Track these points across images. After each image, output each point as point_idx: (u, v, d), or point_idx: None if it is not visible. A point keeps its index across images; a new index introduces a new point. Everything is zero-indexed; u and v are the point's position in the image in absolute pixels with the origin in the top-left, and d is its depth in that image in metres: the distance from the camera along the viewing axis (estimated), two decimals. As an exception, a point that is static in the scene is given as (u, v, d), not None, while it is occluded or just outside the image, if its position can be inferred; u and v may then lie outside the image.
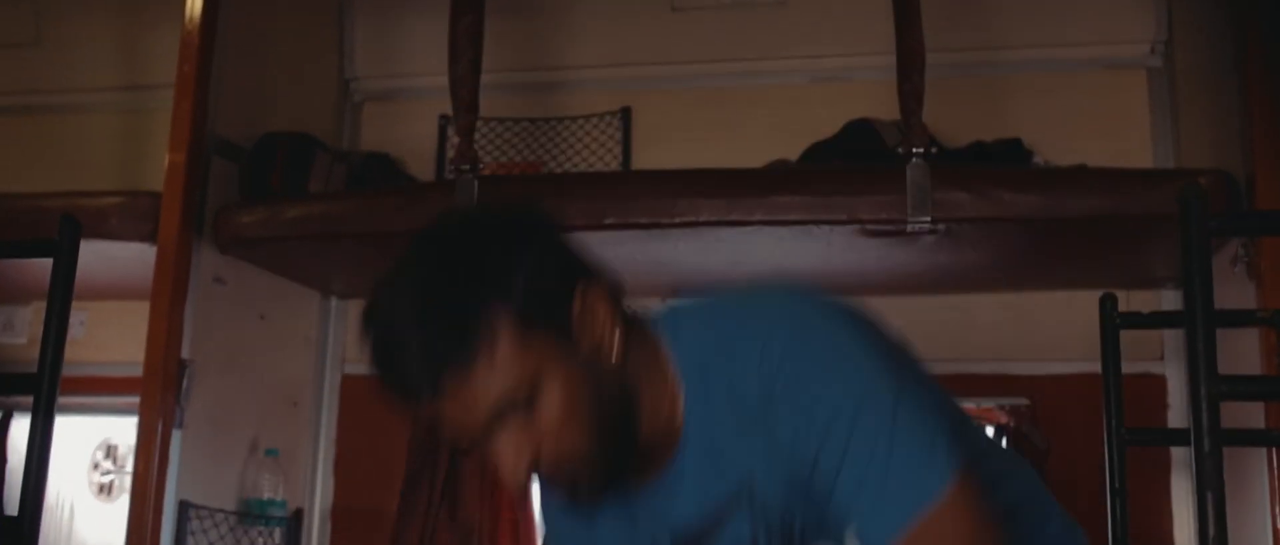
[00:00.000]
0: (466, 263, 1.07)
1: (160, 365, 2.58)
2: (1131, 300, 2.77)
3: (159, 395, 2.57)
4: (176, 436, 2.62)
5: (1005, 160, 2.60)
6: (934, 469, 1.00)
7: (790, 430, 1.04)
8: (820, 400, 1.02)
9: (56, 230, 2.00)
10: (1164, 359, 2.88)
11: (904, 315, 3.01)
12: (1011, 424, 2.86)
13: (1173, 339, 2.83)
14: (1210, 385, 1.54)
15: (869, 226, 2.35)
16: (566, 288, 1.10)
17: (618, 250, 2.59)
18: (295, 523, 3.13)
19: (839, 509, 1.02)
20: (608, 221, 2.43)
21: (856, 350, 1.06)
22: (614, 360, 1.10)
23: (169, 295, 2.60)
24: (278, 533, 3.03)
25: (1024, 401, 2.88)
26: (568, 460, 1.09)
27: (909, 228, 2.32)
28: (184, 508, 2.67)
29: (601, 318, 1.11)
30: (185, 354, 2.64)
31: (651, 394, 1.12)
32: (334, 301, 3.30)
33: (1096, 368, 2.14)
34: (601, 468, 1.11)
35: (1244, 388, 1.82)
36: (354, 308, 3.33)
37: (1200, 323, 1.56)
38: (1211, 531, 1.49)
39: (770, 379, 1.04)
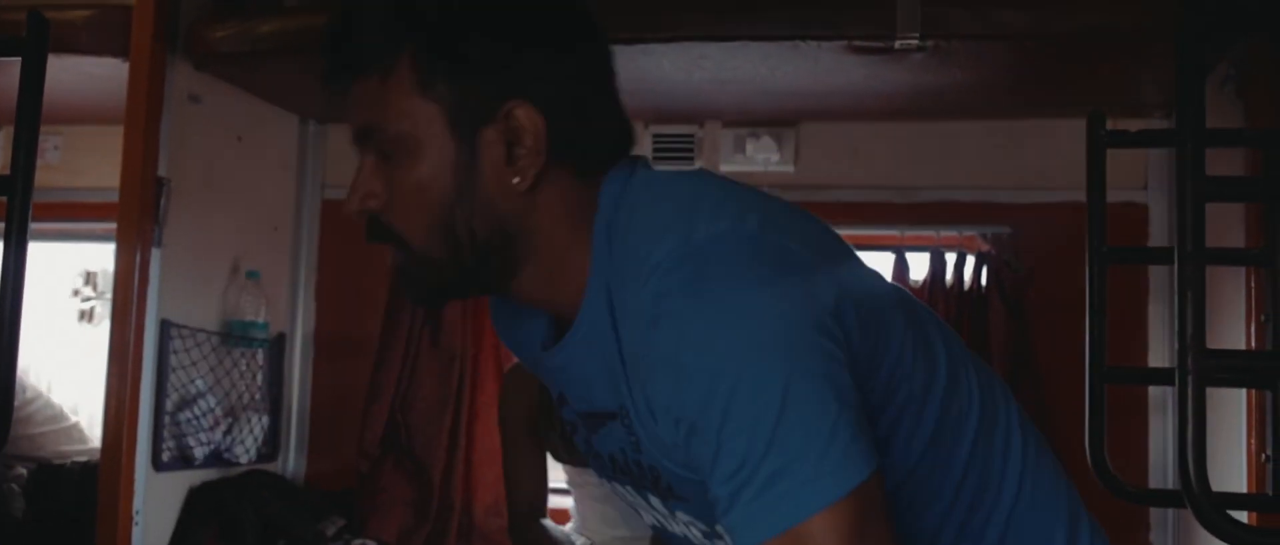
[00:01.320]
0: None
1: (137, 181, 2.54)
2: (1118, 126, 2.76)
3: (137, 212, 2.54)
4: (156, 255, 2.61)
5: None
6: (818, 480, 0.86)
7: (662, 396, 0.93)
8: (693, 375, 0.89)
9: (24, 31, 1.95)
10: (1147, 188, 2.88)
11: (889, 141, 3.05)
12: (993, 251, 2.87)
13: (1156, 167, 2.83)
14: (1197, 186, 1.53)
15: (857, 43, 2.31)
16: (499, 90, 0.99)
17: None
18: (278, 346, 3.14)
19: (713, 497, 0.91)
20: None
21: (755, 319, 0.88)
22: (511, 189, 1.01)
23: (144, 111, 2.54)
24: (261, 354, 3.04)
25: (1006, 230, 2.89)
26: (403, 240, 1.04)
27: (897, 45, 2.28)
28: (165, 327, 2.67)
29: (524, 142, 0.99)
30: (162, 172, 2.61)
31: (550, 253, 1.04)
32: (312, 125, 3.26)
33: (1080, 197, 2.13)
34: (429, 275, 1.05)
35: (1230, 189, 1.82)
36: (334, 132, 3.29)
37: (1191, 124, 1.54)
38: (1190, 331, 1.50)
39: (649, 329, 0.92)
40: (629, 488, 1.13)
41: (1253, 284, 2.18)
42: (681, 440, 0.92)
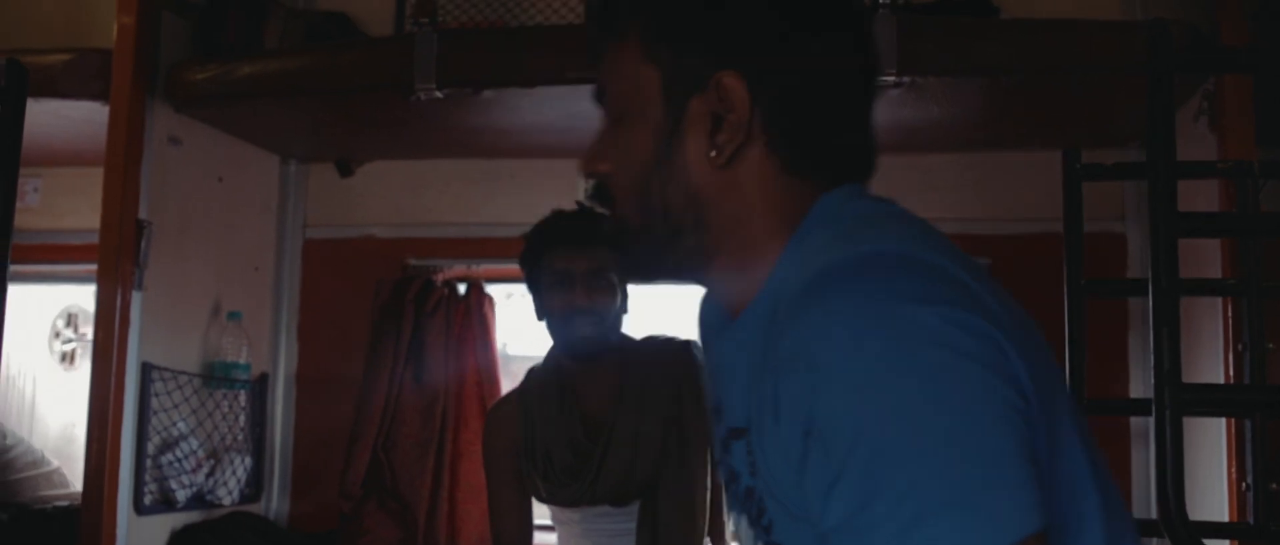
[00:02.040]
0: None
1: (117, 224, 2.55)
2: (1094, 159, 2.78)
3: (117, 255, 2.55)
4: (137, 298, 2.61)
5: (971, 13, 2.57)
6: (974, 529, 0.76)
7: (791, 394, 0.84)
8: (833, 376, 0.80)
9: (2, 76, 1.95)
10: (1125, 218, 2.91)
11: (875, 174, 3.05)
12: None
13: (1133, 197, 2.86)
14: (1170, 221, 1.55)
15: (831, 73, 2.32)
16: (713, 60, 0.95)
17: (581, 105, 2.54)
18: (261, 386, 3.13)
19: (825, 530, 0.82)
20: (570, 76, 2.40)
21: (923, 334, 0.79)
22: (707, 163, 0.97)
23: (123, 154, 2.56)
24: (243, 395, 3.04)
25: (984, 261, 2.90)
26: (615, 205, 1.04)
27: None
28: (147, 370, 2.67)
29: (727, 116, 0.95)
30: (142, 215, 2.61)
31: (740, 244, 0.98)
32: (294, 165, 3.27)
33: (1057, 228, 2.15)
34: (629, 243, 1.03)
35: (1201, 225, 1.84)
36: (315, 172, 3.30)
37: (1161, 160, 1.56)
38: (1166, 365, 1.51)
39: (793, 319, 0.85)
40: (744, 522, 1.02)
41: (1229, 313, 2.19)
42: (798, 458, 0.83)
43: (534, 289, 2.36)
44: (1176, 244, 1.61)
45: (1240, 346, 2.06)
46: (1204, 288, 2.20)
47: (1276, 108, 2.34)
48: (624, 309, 2.35)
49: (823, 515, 0.80)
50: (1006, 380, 0.80)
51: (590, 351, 2.31)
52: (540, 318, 2.36)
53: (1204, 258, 2.30)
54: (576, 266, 2.27)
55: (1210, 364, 2.25)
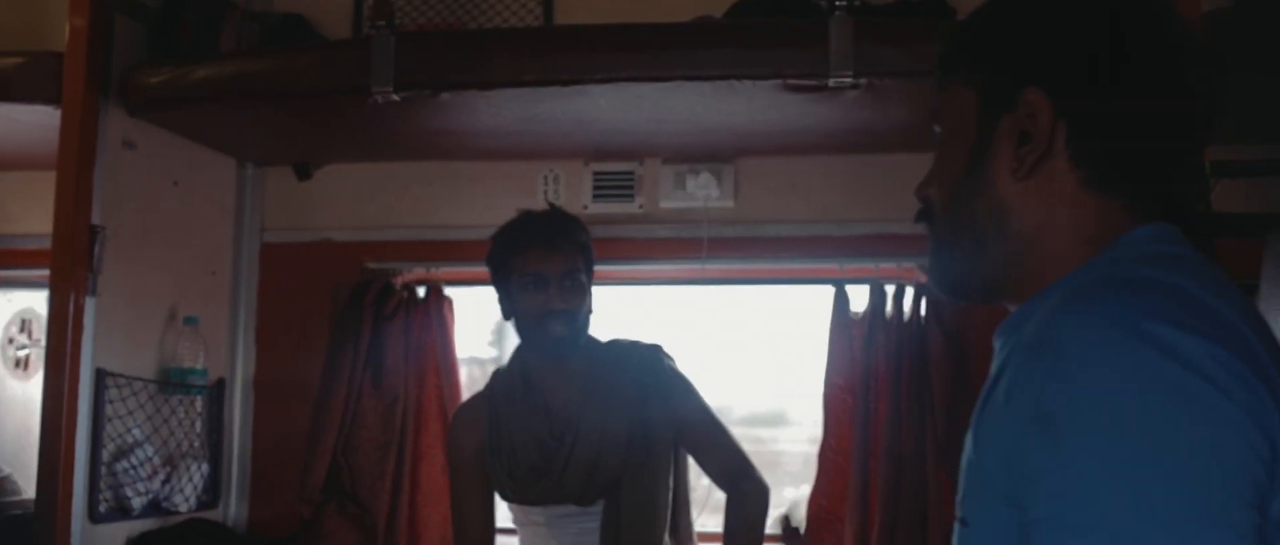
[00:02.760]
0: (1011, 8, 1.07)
1: (70, 230, 2.52)
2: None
3: (70, 260, 2.52)
4: (91, 304, 2.58)
5: (928, 15, 2.58)
6: None
7: (1024, 373, 0.87)
8: (1073, 367, 0.83)
9: (-50, 82, 1.93)
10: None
11: (828, 175, 3.08)
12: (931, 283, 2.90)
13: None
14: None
15: (791, 82, 2.34)
16: (1023, 77, 1.01)
17: (539, 108, 2.56)
18: (218, 392, 3.11)
19: (1031, 519, 0.84)
20: (527, 78, 2.39)
21: (1170, 355, 0.80)
22: (1009, 174, 1.01)
23: (76, 158, 2.53)
24: (199, 401, 3.01)
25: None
26: (934, 224, 1.10)
27: (831, 83, 2.30)
28: (101, 376, 2.64)
29: (1036, 133, 1.00)
30: (96, 219, 2.58)
31: (1035, 256, 1.02)
32: (251, 168, 3.24)
33: (1016, 225, 2.15)
34: (943, 259, 1.10)
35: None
36: (272, 176, 3.27)
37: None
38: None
39: (1046, 315, 0.89)
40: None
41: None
42: (1013, 439, 0.86)
43: (503, 291, 2.37)
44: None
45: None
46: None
47: (1228, 106, 2.37)
48: (591, 309, 2.37)
49: (1033, 502, 0.82)
50: (1255, 424, 0.80)
51: (562, 352, 2.33)
52: (508, 318, 2.38)
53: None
54: (550, 268, 2.29)
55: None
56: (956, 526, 1.01)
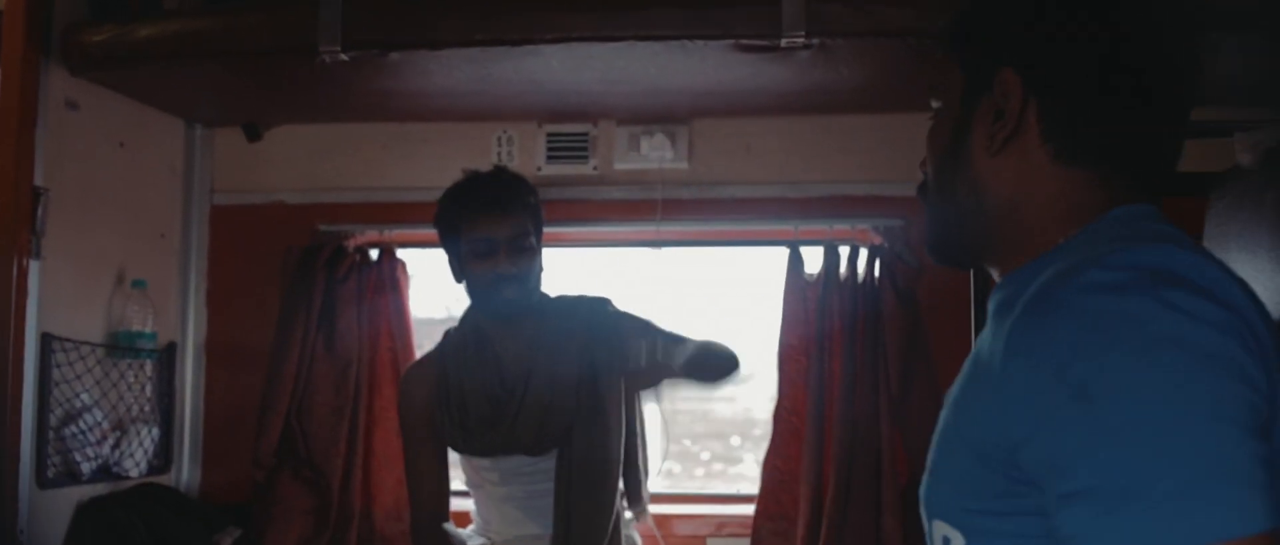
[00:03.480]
0: None
1: (12, 191, 2.48)
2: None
3: (12, 222, 2.47)
4: (35, 267, 2.54)
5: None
6: (1193, 514, 0.80)
7: (1019, 330, 0.91)
8: (1066, 317, 0.87)
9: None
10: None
11: (782, 136, 3.07)
12: (885, 244, 2.91)
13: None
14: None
15: (743, 42, 2.32)
16: (998, 59, 1.05)
17: (490, 68, 2.53)
18: (169, 356, 3.07)
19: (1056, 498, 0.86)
20: (477, 38, 2.37)
21: (1161, 312, 0.84)
22: (984, 151, 1.06)
23: (17, 119, 2.48)
24: (149, 365, 2.97)
25: (898, 222, 2.93)
26: (926, 199, 1.15)
27: (783, 43, 2.29)
28: (46, 340, 2.60)
29: (1007, 111, 1.04)
30: (39, 181, 2.54)
31: (1014, 230, 1.06)
32: (199, 129, 3.19)
33: (970, 187, 2.16)
34: (936, 229, 1.15)
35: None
36: (221, 136, 3.23)
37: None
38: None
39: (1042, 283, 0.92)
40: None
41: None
42: (999, 388, 0.90)
43: (452, 253, 2.36)
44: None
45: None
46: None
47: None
48: (542, 268, 2.36)
49: (1071, 474, 0.84)
50: (1253, 388, 0.83)
51: (513, 312, 2.33)
52: (459, 281, 2.37)
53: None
54: (498, 232, 2.28)
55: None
56: (926, 477, 1.07)
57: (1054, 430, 0.86)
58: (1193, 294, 0.85)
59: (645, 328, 2.38)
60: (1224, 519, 0.79)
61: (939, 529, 1.02)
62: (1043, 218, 1.04)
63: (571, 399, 2.32)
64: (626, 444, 2.42)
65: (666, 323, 2.43)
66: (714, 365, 2.27)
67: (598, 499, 2.32)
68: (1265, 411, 0.85)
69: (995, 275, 1.12)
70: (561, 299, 2.45)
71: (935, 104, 1.14)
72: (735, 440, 3.44)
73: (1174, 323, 0.83)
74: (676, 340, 2.32)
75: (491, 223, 2.28)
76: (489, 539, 2.43)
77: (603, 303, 2.45)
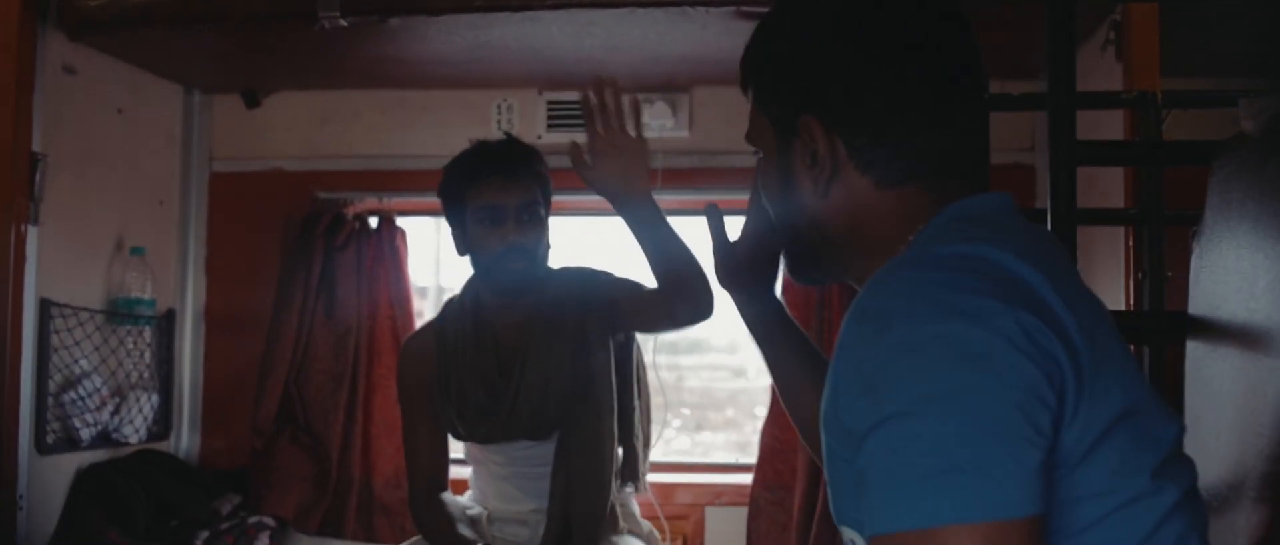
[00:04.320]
0: (795, 18, 1.11)
1: (9, 156, 2.47)
2: (1007, 90, 2.81)
3: (10, 188, 2.46)
4: (32, 233, 2.53)
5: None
6: (904, 511, 0.85)
7: (839, 351, 0.95)
8: (865, 330, 0.92)
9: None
10: (1034, 149, 2.94)
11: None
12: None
13: (1043, 128, 2.86)
14: (1068, 148, 1.55)
15: (744, 8, 2.31)
16: (798, 106, 1.07)
17: (490, 34, 2.52)
18: (168, 322, 3.07)
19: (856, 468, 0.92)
20: (477, 3, 2.35)
21: (945, 309, 0.88)
22: (812, 193, 1.09)
23: (14, 83, 2.47)
24: (148, 332, 2.97)
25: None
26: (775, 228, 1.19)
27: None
28: (45, 306, 2.60)
29: (817, 154, 1.07)
30: (36, 147, 2.53)
31: (859, 257, 1.10)
32: (197, 95, 3.18)
33: (969, 160, 2.15)
34: (790, 257, 1.18)
35: (1101, 152, 1.85)
36: (219, 103, 3.22)
37: (1060, 88, 1.56)
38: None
39: (835, 368, 0.95)
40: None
41: (1130, 243, 2.23)
42: (839, 392, 0.94)
43: (457, 224, 2.27)
44: (1075, 172, 1.62)
45: (1140, 275, 2.08)
46: (1102, 216, 2.23)
47: (1182, 38, 2.36)
48: (548, 245, 2.29)
49: (858, 454, 0.89)
50: (1041, 372, 0.87)
51: (519, 287, 2.25)
52: (463, 252, 2.28)
53: (1109, 188, 2.33)
54: (507, 200, 2.19)
55: (1111, 293, 2.29)
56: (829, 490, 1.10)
57: (853, 418, 0.91)
58: (976, 296, 0.89)
59: (634, 285, 2.32)
60: (951, 504, 0.83)
61: (846, 534, 1.05)
62: (883, 234, 1.07)
63: (567, 383, 2.26)
64: (623, 418, 2.40)
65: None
66: (689, 283, 2.13)
67: (593, 478, 2.29)
68: (1047, 393, 0.87)
69: (856, 286, 1.13)
70: (562, 272, 2.38)
71: (753, 149, 1.16)
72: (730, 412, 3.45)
73: (941, 322, 0.87)
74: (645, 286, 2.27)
75: (499, 190, 2.20)
76: (486, 509, 2.42)
77: (597, 276, 2.37)
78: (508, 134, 2.34)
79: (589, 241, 3.30)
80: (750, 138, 1.16)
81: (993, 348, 0.86)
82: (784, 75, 1.09)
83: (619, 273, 2.40)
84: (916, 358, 0.87)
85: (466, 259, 2.29)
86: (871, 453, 0.88)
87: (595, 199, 3.07)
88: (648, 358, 2.51)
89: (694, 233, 3.18)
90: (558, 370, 2.26)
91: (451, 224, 2.28)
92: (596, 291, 2.31)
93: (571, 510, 2.27)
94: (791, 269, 1.19)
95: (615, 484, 2.37)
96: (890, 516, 0.85)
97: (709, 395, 3.47)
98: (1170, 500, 0.95)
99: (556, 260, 2.38)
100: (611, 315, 2.28)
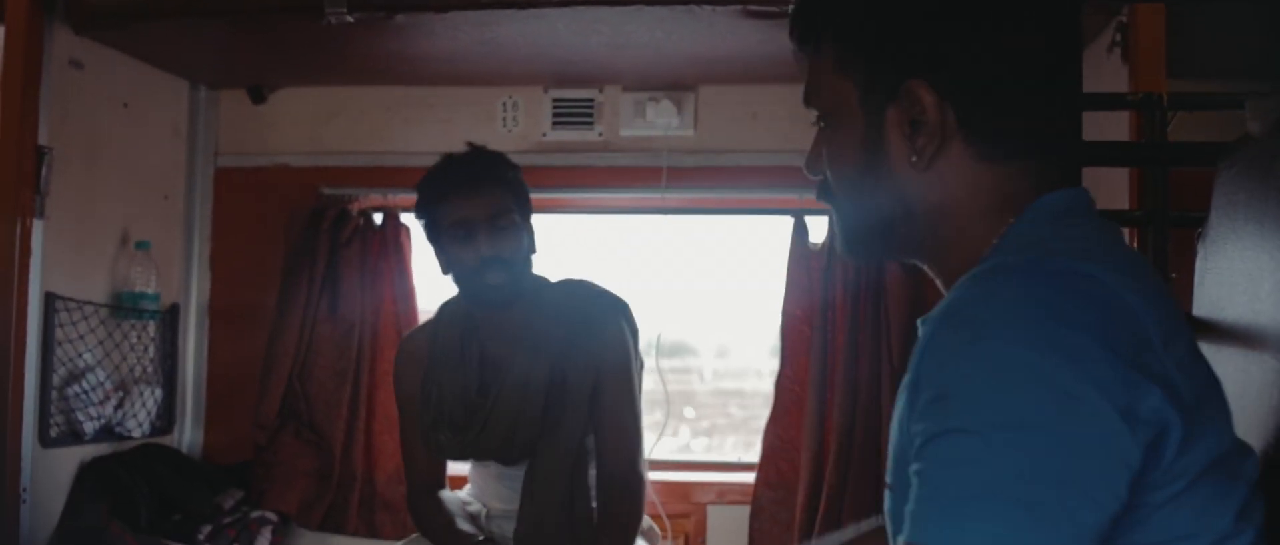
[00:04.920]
0: None
1: (16, 150, 2.47)
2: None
3: (15, 182, 2.47)
4: (38, 226, 2.53)
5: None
6: (941, 527, 0.83)
7: (919, 361, 0.91)
8: (942, 348, 0.88)
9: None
10: (1040, 150, 2.93)
11: (788, 104, 3.05)
12: (890, 214, 2.90)
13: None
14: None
15: (752, 7, 2.31)
16: (902, 69, 1.00)
17: (496, 31, 2.52)
18: (171, 317, 3.07)
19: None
20: (484, 1, 2.35)
21: (985, 388, 0.84)
22: (911, 166, 1.01)
23: (21, 77, 2.47)
24: (152, 326, 2.98)
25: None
26: (835, 202, 1.10)
27: (791, 9, 2.27)
28: (50, 300, 2.60)
29: (923, 120, 1.00)
30: (43, 140, 2.53)
31: (948, 233, 1.03)
32: (203, 91, 3.18)
33: (975, 158, 2.15)
34: (853, 235, 1.09)
35: (1106, 154, 1.85)
36: (225, 98, 3.22)
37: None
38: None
39: (918, 365, 0.91)
40: None
41: (1134, 244, 2.22)
42: (912, 400, 0.90)
43: (434, 242, 2.24)
44: (1080, 174, 1.61)
45: (1145, 277, 2.08)
46: (1108, 218, 2.22)
47: (1189, 40, 2.36)
48: (532, 249, 2.24)
49: (918, 456, 0.86)
50: (1131, 429, 0.82)
51: (502, 301, 2.20)
52: (446, 272, 2.25)
53: (1115, 189, 2.33)
54: (476, 213, 2.15)
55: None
56: (886, 492, 1.03)
57: (923, 421, 0.86)
58: (1067, 324, 0.84)
59: (617, 355, 2.26)
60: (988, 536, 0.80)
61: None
62: (972, 216, 1.02)
63: (539, 410, 2.21)
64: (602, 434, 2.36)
65: (637, 400, 2.29)
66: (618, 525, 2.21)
67: (561, 504, 2.23)
68: (1132, 453, 0.83)
69: (926, 268, 1.09)
70: (563, 287, 2.33)
71: (815, 111, 1.09)
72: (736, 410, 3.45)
73: (1036, 350, 0.83)
74: (626, 433, 2.25)
75: (466, 204, 2.15)
76: (485, 505, 2.42)
77: (614, 313, 2.30)
78: (470, 144, 2.28)
79: (584, 240, 3.30)
80: (814, 101, 1.08)
81: (1083, 392, 0.81)
82: (889, 34, 1.01)
83: (628, 331, 2.31)
84: (1000, 379, 0.82)
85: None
86: (927, 461, 0.85)
87: (593, 197, 3.11)
88: (649, 361, 2.49)
89: (696, 230, 3.19)
90: (533, 399, 2.21)
91: (431, 244, 2.25)
92: (587, 325, 2.26)
93: (540, 538, 2.24)
94: (849, 243, 1.10)
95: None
96: (926, 529, 0.83)
97: (717, 396, 3.47)
98: (1247, 542, 0.90)
99: (555, 259, 2.37)
100: (595, 381, 2.24)
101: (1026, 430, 0.81)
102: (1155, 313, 0.87)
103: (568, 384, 2.22)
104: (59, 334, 2.64)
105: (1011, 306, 0.86)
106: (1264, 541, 0.92)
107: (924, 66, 0.99)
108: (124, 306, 2.85)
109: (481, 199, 2.16)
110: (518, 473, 2.29)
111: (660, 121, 2.99)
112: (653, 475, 2.62)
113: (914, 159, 1.01)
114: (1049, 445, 0.80)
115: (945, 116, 0.99)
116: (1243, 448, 0.94)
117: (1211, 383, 0.92)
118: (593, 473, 2.29)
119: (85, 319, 2.72)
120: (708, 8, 2.32)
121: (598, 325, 2.26)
